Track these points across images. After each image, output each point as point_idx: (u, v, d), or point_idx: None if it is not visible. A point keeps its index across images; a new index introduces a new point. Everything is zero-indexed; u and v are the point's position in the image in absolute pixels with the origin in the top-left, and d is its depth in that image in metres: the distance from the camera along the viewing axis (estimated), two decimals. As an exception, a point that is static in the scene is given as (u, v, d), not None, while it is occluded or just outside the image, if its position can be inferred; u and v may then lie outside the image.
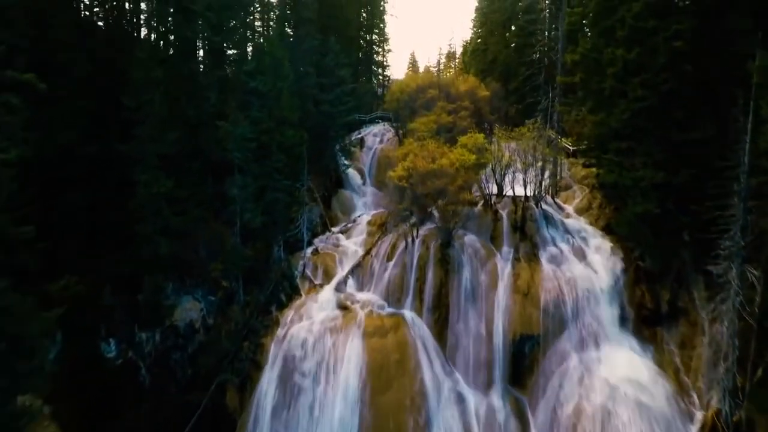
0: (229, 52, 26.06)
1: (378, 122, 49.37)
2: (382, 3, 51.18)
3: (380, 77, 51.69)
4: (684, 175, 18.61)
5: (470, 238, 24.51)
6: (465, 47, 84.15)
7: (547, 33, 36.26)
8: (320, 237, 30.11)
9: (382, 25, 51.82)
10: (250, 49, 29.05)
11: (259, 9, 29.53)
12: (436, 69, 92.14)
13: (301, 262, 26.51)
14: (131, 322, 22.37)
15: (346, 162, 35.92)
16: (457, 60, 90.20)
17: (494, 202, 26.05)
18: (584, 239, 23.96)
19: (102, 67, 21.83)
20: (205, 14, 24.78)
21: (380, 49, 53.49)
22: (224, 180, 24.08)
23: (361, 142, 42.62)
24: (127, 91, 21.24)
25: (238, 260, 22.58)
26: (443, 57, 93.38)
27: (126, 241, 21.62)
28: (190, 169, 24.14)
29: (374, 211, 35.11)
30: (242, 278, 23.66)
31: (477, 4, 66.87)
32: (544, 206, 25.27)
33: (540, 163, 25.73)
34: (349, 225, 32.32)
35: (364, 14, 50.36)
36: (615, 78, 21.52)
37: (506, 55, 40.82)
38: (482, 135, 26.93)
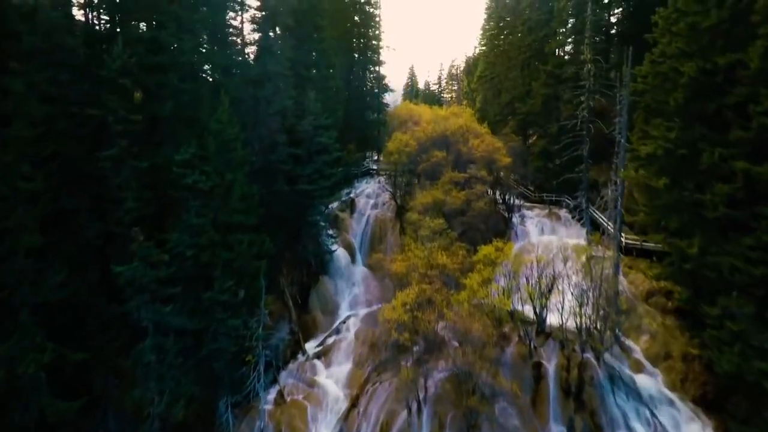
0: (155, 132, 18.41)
1: (373, 174, 41.71)
2: (378, 32, 43.40)
3: (376, 119, 43.75)
4: None
5: (502, 408, 16.89)
6: (468, 64, 77.00)
7: (588, 84, 27.19)
8: (289, 367, 22.41)
9: (377, 56, 44.08)
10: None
11: (205, 68, 21.80)
12: (437, 86, 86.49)
13: (259, 424, 18.86)
14: None
15: (332, 246, 28.17)
16: (460, 80, 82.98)
17: (534, 346, 18.46)
18: (669, 416, 16.34)
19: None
20: (119, 81, 17.25)
21: (376, 83, 45.75)
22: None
23: (352, 204, 34.77)
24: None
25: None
26: (444, 73, 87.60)
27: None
28: (94, 316, 16.53)
29: (365, 310, 27.78)
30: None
31: (483, 23, 59.77)
32: (608, 357, 17.64)
33: (600, 286, 18.14)
34: (331, 339, 24.67)
35: (357, 51, 42.30)
36: (729, 202, 13.98)
37: (530, 106, 32.96)
38: (511, 245, 19.36)
